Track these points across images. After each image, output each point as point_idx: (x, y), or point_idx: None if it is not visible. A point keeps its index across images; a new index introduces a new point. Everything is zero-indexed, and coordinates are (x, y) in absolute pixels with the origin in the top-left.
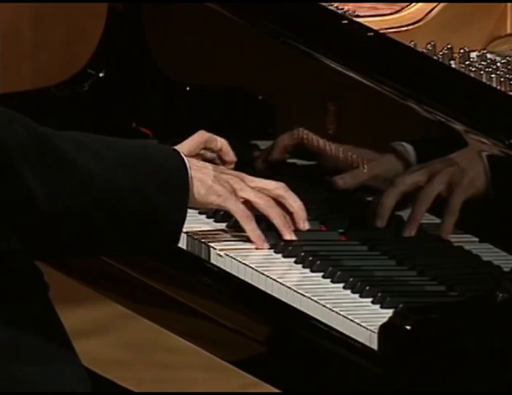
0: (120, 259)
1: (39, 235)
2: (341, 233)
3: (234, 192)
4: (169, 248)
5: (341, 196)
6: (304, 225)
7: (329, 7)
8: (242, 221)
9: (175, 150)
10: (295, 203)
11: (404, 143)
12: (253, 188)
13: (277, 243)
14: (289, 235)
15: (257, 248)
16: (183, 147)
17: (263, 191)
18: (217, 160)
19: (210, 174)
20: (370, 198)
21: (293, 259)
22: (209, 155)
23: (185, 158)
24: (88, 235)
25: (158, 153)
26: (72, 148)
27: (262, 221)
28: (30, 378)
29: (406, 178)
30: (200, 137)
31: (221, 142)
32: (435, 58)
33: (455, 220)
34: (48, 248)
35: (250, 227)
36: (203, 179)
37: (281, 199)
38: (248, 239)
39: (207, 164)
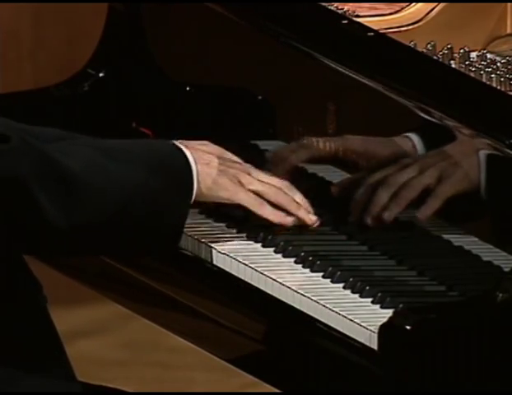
0: (120, 259)
1: (54, 252)
2: (342, 232)
3: (242, 185)
4: (169, 249)
5: (341, 196)
6: (311, 219)
7: (329, 7)
8: (257, 209)
9: (179, 148)
10: (299, 200)
11: (411, 134)
12: (259, 180)
13: (278, 243)
14: (308, 219)
15: (280, 230)
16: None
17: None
18: None
19: (217, 167)
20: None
21: (293, 259)
22: None
23: (190, 155)
24: (97, 244)
25: (162, 153)
26: (82, 167)
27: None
28: (19, 381)
29: (398, 177)
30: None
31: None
32: (435, 58)
33: (436, 207)
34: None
35: (267, 212)
36: (211, 174)
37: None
38: (248, 239)
39: (213, 157)
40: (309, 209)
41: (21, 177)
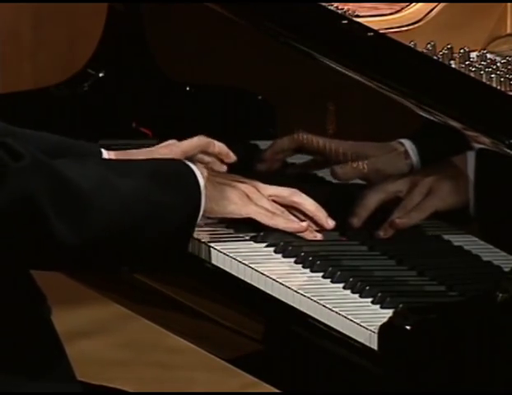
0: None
1: (63, 268)
2: (342, 232)
3: (250, 200)
4: (174, 262)
5: (341, 196)
6: (328, 223)
7: (329, 7)
8: (270, 222)
9: (187, 164)
10: (311, 207)
11: (404, 140)
12: (268, 196)
13: (277, 243)
14: (312, 237)
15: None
16: (180, 147)
17: (278, 199)
18: (216, 163)
19: (225, 183)
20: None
21: (293, 259)
22: (206, 159)
23: (198, 171)
24: (105, 260)
25: (171, 170)
26: (93, 185)
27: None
28: (22, 388)
29: (388, 186)
30: (198, 140)
31: (218, 146)
32: (435, 58)
33: (419, 217)
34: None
35: (280, 222)
36: (219, 189)
37: (296, 205)
38: (248, 239)
39: (221, 172)
40: (324, 215)
41: (32, 194)
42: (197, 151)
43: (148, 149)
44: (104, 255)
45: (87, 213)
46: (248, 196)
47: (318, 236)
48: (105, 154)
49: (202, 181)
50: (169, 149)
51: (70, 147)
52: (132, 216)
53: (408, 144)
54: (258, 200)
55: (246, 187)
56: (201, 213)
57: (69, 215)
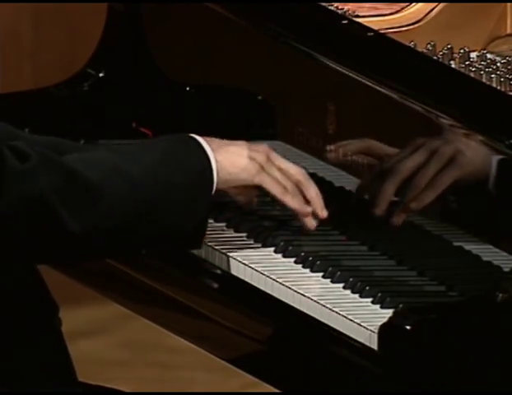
0: (120, 259)
1: (78, 259)
2: (342, 232)
3: (262, 168)
4: (194, 244)
5: (343, 198)
6: (323, 213)
7: (329, 7)
8: (279, 195)
9: (194, 138)
10: (312, 191)
11: None
12: (277, 166)
13: (278, 243)
14: (311, 226)
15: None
16: None
17: (285, 173)
18: None
19: (236, 151)
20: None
21: (293, 259)
22: None
23: (207, 146)
24: (122, 246)
25: (180, 148)
26: (103, 175)
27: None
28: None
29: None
30: None
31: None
32: (435, 58)
33: (431, 197)
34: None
35: (289, 200)
36: (231, 159)
37: (300, 185)
38: (247, 239)
39: (231, 141)
40: (321, 204)
41: (42, 193)
42: None
43: None
44: (121, 242)
45: (99, 204)
46: (260, 165)
47: (313, 225)
48: None
49: (211, 155)
50: None
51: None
52: (145, 200)
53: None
54: (269, 169)
55: (257, 155)
56: (214, 186)
57: (81, 208)
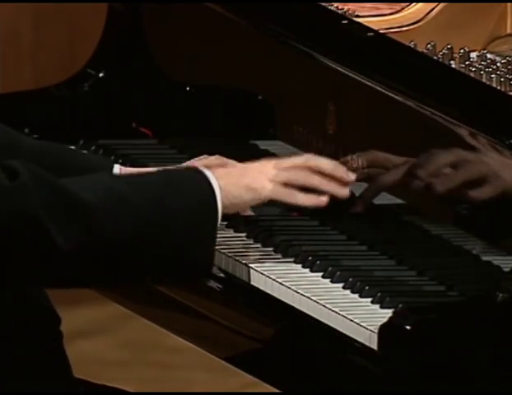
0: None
1: (70, 284)
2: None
3: (268, 180)
4: (201, 274)
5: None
6: (349, 176)
7: (329, 7)
8: (288, 199)
9: (198, 169)
10: (328, 166)
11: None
12: (283, 168)
13: (277, 243)
14: (342, 193)
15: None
16: (195, 165)
17: (295, 168)
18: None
19: (238, 174)
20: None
21: (293, 259)
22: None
23: (209, 173)
24: (119, 273)
25: (182, 177)
26: (99, 197)
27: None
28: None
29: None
30: (216, 161)
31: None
32: (435, 58)
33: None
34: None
35: (299, 199)
36: (235, 182)
37: (315, 168)
38: (247, 239)
39: (230, 169)
40: (343, 170)
41: (31, 211)
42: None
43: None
44: (118, 267)
45: (91, 224)
46: (267, 177)
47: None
48: (117, 169)
49: (215, 182)
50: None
51: (81, 161)
52: (142, 225)
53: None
54: (276, 177)
55: (260, 169)
56: (220, 214)
57: (71, 227)
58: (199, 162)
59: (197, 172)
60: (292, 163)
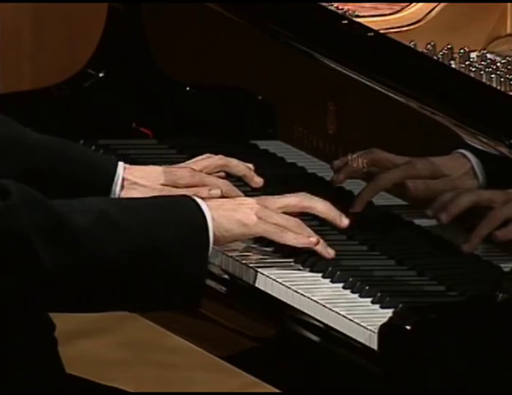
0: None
1: (58, 308)
2: (342, 232)
3: (260, 219)
4: (191, 303)
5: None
6: (343, 221)
7: (329, 7)
8: (278, 238)
9: (191, 199)
10: (322, 208)
11: (469, 154)
12: (278, 208)
13: (278, 243)
14: (327, 254)
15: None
16: (198, 164)
17: (289, 208)
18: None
19: (231, 208)
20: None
21: (292, 259)
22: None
23: (203, 204)
24: (101, 298)
25: (174, 206)
26: (90, 221)
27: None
28: None
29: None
30: (219, 160)
31: (243, 169)
32: (435, 58)
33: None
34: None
35: (290, 238)
36: (227, 216)
37: (308, 210)
38: (246, 240)
39: (225, 199)
40: (337, 214)
41: (20, 231)
42: (215, 171)
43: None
44: (106, 293)
45: (79, 246)
46: (257, 215)
47: (331, 253)
48: (121, 167)
49: (208, 213)
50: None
51: (86, 157)
52: (132, 253)
53: (474, 160)
54: (268, 217)
55: (253, 206)
56: (211, 245)
57: (59, 248)
58: (202, 162)
59: (191, 201)
60: (286, 203)
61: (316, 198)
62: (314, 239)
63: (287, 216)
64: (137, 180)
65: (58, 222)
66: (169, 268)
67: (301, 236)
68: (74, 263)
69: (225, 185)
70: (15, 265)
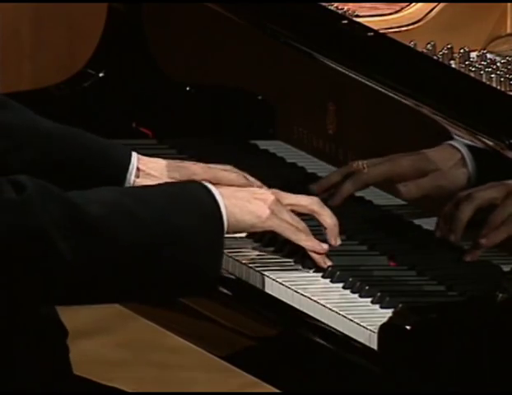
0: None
1: (77, 300)
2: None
3: (272, 213)
4: (207, 289)
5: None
6: (336, 242)
7: (329, 7)
8: (292, 236)
9: (204, 185)
10: (329, 219)
11: (459, 145)
12: (287, 205)
13: (277, 243)
14: (324, 264)
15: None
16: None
17: (298, 208)
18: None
19: (244, 197)
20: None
21: (292, 259)
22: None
23: (216, 191)
24: (125, 289)
25: (188, 193)
26: (105, 211)
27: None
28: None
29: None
30: (243, 180)
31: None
32: (435, 58)
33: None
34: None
35: (303, 239)
36: (240, 205)
37: (315, 215)
38: (246, 239)
39: (238, 188)
40: (336, 233)
41: (38, 225)
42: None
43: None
44: (123, 282)
45: (98, 239)
46: (270, 208)
47: (328, 263)
48: (135, 158)
49: (221, 200)
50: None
51: (99, 147)
52: (149, 241)
53: (464, 150)
54: (279, 212)
55: (267, 198)
56: (225, 230)
57: (79, 242)
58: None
59: (205, 189)
60: (297, 201)
61: (327, 208)
62: (326, 246)
63: (296, 217)
64: (151, 172)
65: (75, 214)
66: (185, 256)
67: (313, 239)
68: (92, 254)
69: (240, 179)
70: (33, 257)
